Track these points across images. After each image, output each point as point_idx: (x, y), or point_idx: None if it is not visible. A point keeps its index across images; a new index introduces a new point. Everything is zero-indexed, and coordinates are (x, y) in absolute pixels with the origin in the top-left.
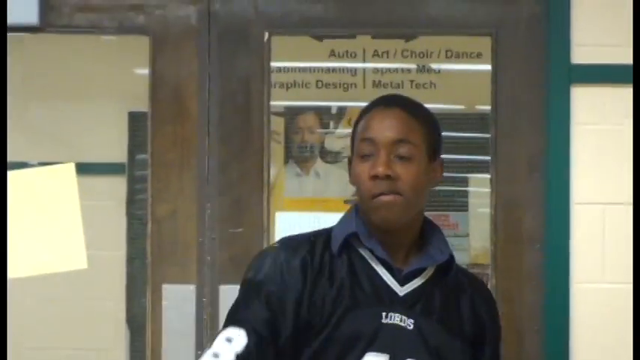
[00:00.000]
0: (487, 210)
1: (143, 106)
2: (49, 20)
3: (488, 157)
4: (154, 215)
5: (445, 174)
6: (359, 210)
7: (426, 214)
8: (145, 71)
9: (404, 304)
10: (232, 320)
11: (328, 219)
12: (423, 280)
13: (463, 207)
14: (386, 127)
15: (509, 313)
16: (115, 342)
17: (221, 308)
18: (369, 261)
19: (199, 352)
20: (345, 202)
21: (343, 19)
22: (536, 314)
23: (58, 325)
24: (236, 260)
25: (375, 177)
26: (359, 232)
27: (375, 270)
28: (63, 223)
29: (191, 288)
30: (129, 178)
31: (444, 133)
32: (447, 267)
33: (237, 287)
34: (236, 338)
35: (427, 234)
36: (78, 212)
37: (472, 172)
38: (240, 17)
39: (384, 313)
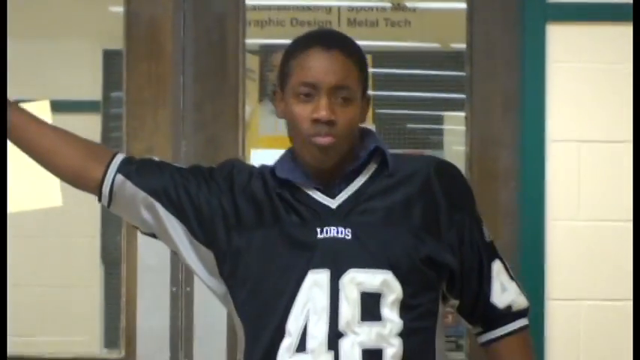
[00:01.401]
0: (462, 148)
1: (118, 44)
2: None
3: (463, 95)
4: (129, 153)
5: (420, 112)
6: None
7: (402, 151)
8: (119, 9)
9: (338, 215)
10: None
11: None
12: (358, 185)
13: (438, 145)
14: (327, 71)
15: None
16: (90, 279)
17: None
18: (303, 188)
19: (174, 289)
20: None
21: None
22: (511, 251)
23: (33, 261)
24: None
25: (316, 120)
26: (276, 166)
27: (307, 194)
28: None
29: None
30: (104, 116)
31: (419, 71)
32: (383, 161)
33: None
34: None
35: (364, 142)
36: None
37: (447, 110)
38: None
39: (318, 229)
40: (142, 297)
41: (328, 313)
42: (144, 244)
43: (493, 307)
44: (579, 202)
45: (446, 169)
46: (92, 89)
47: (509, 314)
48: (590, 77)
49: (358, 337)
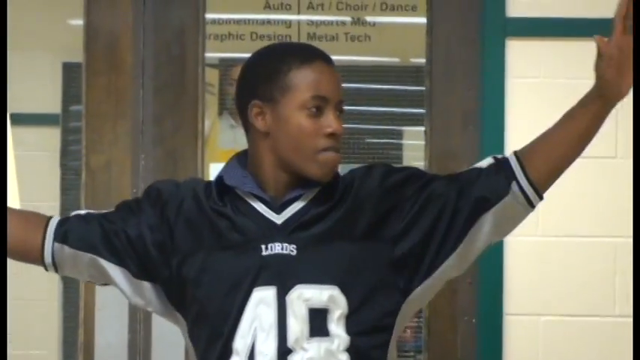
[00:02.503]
0: (422, 163)
1: (77, 57)
2: None
3: (422, 110)
4: (88, 166)
5: (380, 126)
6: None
7: (359, 166)
8: (79, 22)
9: (284, 232)
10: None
11: None
12: (304, 202)
13: (397, 159)
14: (335, 86)
15: None
16: (48, 292)
17: None
18: (247, 199)
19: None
20: None
21: None
22: (470, 267)
23: None
24: None
25: (331, 135)
26: (223, 175)
27: (252, 206)
28: None
29: None
30: (63, 129)
31: (379, 86)
32: (333, 182)
33: None
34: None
35: None
36: (11, 163)
37: (406, 124)
38: None
39: (263, 246)
40: (100, 311)
41: (276, 330)
42: None
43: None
44: (538, 217)
45: (361, 170)
46: (52, 102)
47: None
48: (549, 93)
49: (307, 353)
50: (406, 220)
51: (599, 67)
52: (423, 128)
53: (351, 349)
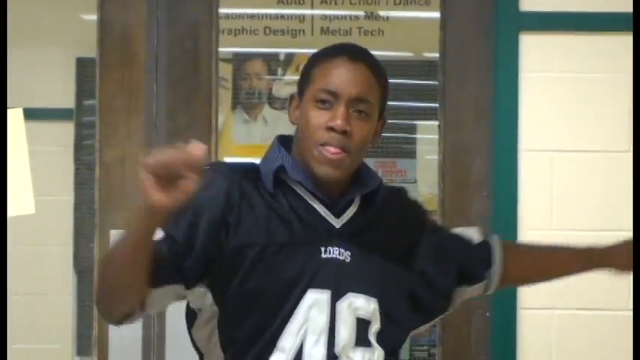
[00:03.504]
0: (435, 157)
1: (91, 52)
2: None
3: (436, 104)
4: (102, 161)
5: (393, 121)
6: (283, 143)
7: (375, 160)
8: (93, 17)
9: (341, 237)
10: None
11: None
12: (355, 209)
13: (411, 154)
14: (350, 82)
15: None
16: (62, 287)
17: None
18: (304, 196)
19: None
20: None
21: None
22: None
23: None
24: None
25: (331, 129)
26: (285, 166)
27: (310, 204)
28: (11, 168)
29: None
30: (76, 124)
31: (392, 80)
32: (375, 193)
33: None
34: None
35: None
36: (26, 157)
37: (420, 119)
38: None
39: (322, 248)
40: None
41: (327, 335)
42: None
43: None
44: (552, 211)
45: (402, 196)
46: (65, 97)
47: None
48: (563, 87)
49: None
50: (421, 266)
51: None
52: (436, 122)
53: None
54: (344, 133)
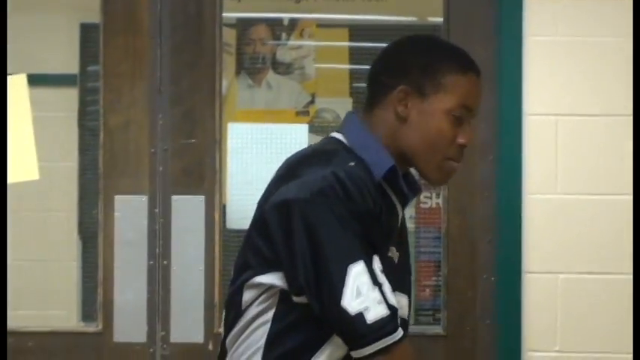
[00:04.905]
0: None
1: (95, 17)
2: None
3: None
4: (106, 126)
5: None
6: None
7: None
8: None
9: (397, 236)
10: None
11: (280, 130)
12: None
13: None
14: (480, 101)
15: (461, 224)
16: (67, 253)
17: (173, 219)
18: (387, 191)
19: (151, 263)
20: (298, 114)
21: None
22: (488, 225)
23: (10, 236)
24: (188, 171)
25: (462, 145)
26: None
27: (392, 201)
28: (15, 134)
29: (143, 199)
30: (81, 90)
31: None
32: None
33: (189, 197)
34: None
35: None
36: (29, 123)
37: None
38: None
39: (389, 247)
40: (119, 271)
41: None
42: (121, 218)
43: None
44: (556, 175)
45: None
46: (69, 63)
47: None
48: (567, 51)
49: None
50: None
51: None
52: None
53: None
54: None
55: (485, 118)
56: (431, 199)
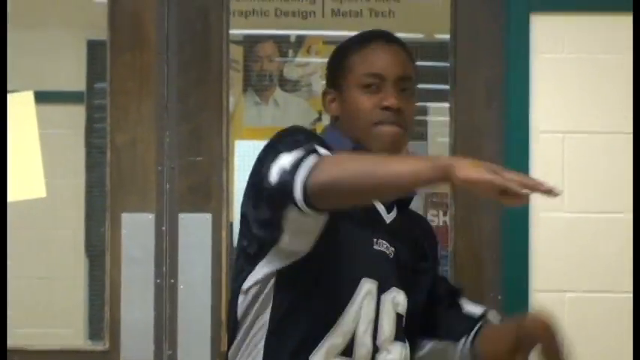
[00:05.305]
0: (446, 139)
1: (102, 34)
2: None
3: (447, 86)
4: (113, 144)
5: None
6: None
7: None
8: None
9: (389, 232)
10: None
11: None
12: (403, 209)
13: (422, 136)
14: (393, 63)
15: (468, 241)
16: (74, 270)
17: (180, 237)
18: None
19: (158, 281)
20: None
21: None
22: (495, 243)
23: (17, 253)
24: (195, 189)
25: (386, 108)
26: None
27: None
28: (22, 151)
29: (150, 217)
30: (87, 107)
31: None
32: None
33: (196, 215)
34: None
35: None
36: (37, 140)
37: (431, 101)
38: None
39: (375, 239)
40: (125, 289)
41: (373, 326)
42: (128, 235)
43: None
44: (564, 193)
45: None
46: (76, 80)
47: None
48: (574, 68)
49: (390, 354)
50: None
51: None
52: (447, 104)
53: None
54: (398, 110)
55: (492, 135)
56: (438, 218)
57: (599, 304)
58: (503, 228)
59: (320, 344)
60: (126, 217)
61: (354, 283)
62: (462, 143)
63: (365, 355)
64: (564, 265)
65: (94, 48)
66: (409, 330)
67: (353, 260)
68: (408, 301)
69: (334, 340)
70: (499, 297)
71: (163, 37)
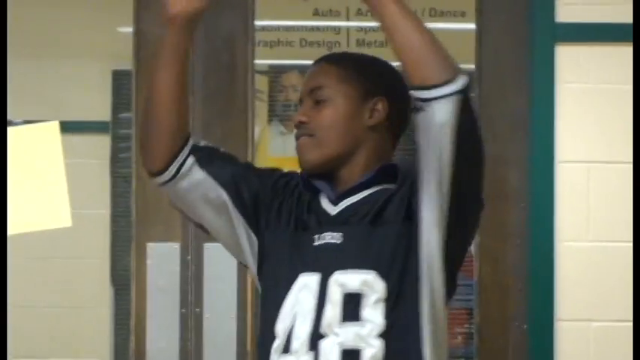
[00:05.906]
0: None
1: (127, 64)
2: None
3: None
4: (138, 174)
5: None
6: None
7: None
8: (128, 29)
9: (335, 222)
10: None
11: None
12: (362, 196)
13: None
14: (306, 81)
15: (493, 272)
16: (100, 300)
17: (205, 266)
18: (320, 195)
19: (184, 311)
20: None
21: None
22: (520, 273)
23: (43, 283)
24: None
25: (295, 125)
26: (315, 183)
27: (319, 201)
28: (47, 181)
29: (175, 246)
30: (113, 137)
31: None
32: (390, 172)
33: (221, 245)
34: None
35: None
36: (62, 170)
37: None
38: None
39: (315, 236)
40: (151, 319)
41: (313, 315)
42: (153, 265)
43: None
44: (588, 223)
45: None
46: (101, 110)
47: None
48: (599, 98)
49: (338, 337)
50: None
51: None
52: None
53: (385, 334)
54: (303, 123)
55: (517, 165)
56: None
57: (624, 333)
58: (528, 257)
59: (273, 347)
60: (151, 247)
61: (287, 284)
62: (487, 173)
63: (300, 347)
64: (589, 294)
65: (119, 78)
66: (398, 294)
67: (288, 265)
68: (383, 268)
69: (279, 341)
70: (524, 326)
71: (188, 67)
